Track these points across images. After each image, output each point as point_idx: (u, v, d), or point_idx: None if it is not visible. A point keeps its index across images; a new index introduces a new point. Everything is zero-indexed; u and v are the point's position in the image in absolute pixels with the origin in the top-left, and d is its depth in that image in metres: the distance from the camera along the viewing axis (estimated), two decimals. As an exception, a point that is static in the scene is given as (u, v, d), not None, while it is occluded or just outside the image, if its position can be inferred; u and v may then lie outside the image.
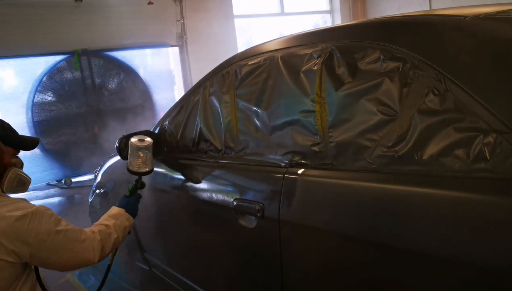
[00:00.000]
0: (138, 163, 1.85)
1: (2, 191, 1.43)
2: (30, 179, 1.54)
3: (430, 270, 0.97)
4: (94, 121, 6.07)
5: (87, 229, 1.53)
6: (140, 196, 1.85)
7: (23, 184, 1.50)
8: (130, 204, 1.77)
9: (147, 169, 1.87)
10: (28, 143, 1.59)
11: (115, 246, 1.61)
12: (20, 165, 1.54)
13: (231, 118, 1.74)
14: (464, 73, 1.01)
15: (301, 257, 1.35)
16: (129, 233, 1.73)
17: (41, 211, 1.36)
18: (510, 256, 0.85)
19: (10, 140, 1.51)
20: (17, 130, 1.57)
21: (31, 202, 1.44)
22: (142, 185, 1.90)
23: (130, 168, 1.86)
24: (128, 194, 1.82)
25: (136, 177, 1.89)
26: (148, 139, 1.89)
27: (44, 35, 5.62)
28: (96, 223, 1.63)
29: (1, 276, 1.28)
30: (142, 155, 1.85)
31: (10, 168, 1.46)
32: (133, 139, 1.87)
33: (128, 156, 1.89)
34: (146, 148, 1.86)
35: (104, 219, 1.65)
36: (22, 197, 1.48)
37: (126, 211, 1.72)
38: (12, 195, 1.46)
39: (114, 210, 1.71)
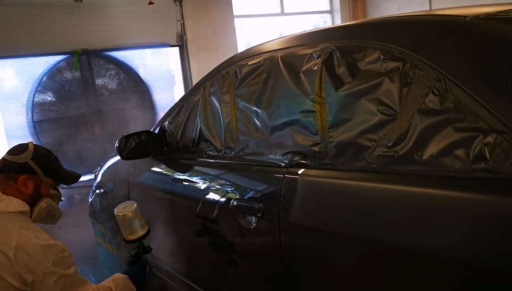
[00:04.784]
0: (132, 230, 1.75)
1: (31, 220, 1.46)
2: (62, 212, 1.57)
3: (430, 270, 0.97)
4: (94, 121, 6.08)
5: (91, 286, 1.49)
6: (145, 263, 1.74)
7: (52, 216, 1.53)
8: (132, 273, 1.68)
9: (145, 231, 1.76)
10: (68, 178, 1.64)
11: None
12: (57, 198, 1.57)
13: (231, 118, 1.74)
14: (464, 73, 1.01)
15: (302, 257, 1.35)
16: None
17: (57, 248, 1.35)
18: (510, 256, 0.85)
19: (51, 172, 1.55)
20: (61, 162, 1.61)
21: None
22: (146, 250, 1.77)
23: (128, 238, 1.76)
24: (128, 264, 1.72)
25: (135, 244, 1.79)
26: (131, 202, 1.78)
27: (44, 35, 5.62)
28: (101, 283, 1.60)
29: None
30: (132, 221, 1.75)
31: (45, 198, 1.50)
32: (116, 210, 1.75)
33: (120, 228, 1.78)
34: (133, 212, 1.75)
35: (107, 282, 1.61)
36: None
37: (130, 278, 1.66)
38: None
39: (118, 275, 1.66)
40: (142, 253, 1.77)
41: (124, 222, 1.73)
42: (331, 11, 8.33)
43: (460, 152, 0.98)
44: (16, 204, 1.41)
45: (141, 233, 1.75)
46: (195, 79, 6.53)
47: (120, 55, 6.23)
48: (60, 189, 1.65)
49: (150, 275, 2.49)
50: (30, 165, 1.48)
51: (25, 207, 1.43)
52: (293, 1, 7.89)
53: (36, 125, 5.74)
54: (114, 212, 1.73)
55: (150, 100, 6.51)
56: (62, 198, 1.65)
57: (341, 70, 1.28)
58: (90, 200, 3.06)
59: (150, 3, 6.03)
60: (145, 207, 2.28)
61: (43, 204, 1.48)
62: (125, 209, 1.74)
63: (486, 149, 0.93)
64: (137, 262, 1.72)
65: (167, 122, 2.21)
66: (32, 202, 1.48)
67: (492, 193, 0.92)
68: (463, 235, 0.93)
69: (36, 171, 1.49)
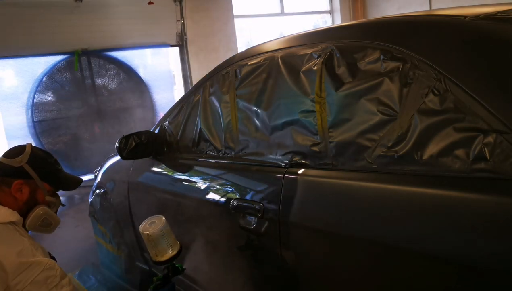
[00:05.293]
0: (158, 250, 1.49)
1: (25, 228, 1.37)
2: (59, 220, 1.46)
3: (429, 270, 0.97)
4: (94, 121, 6.08)
5: None
6: (173, 286, 1.51)
7: (48, 224, 1.42)
8: None
9: (175, 252, 1.49)
10: (68, 183, 1.52)
11: None
12: (55, 205, 1.46)
13: (231, 118, 1.74)
14: (464, 73, 1.01)
15: (301, 257, 1.35)
16: None
17: (40, 266, 1.23)
18: (510, 256, 0.85)
19: (49, 177, 1.44)
20: (62, 167, 1.49)
21: None
22: (176, 271, 1.52)
23: (155, 259, 1.49)
24: (152, 288, 1.49)
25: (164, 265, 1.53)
26: (158, 218, 1.52)
27: (44, 35, 5.62)
28: None
29: None
30: (159, 241, 1.48)
31: (40, 205, 1.40)
32: (141, 228, 1.49)
33: (147, 248, 1.52)
34: (159, 230, 1.48)
35: None
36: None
37: None
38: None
39: None
40: (172, 274, 1.51)
41: (149, 241, 1.48)
42: (331, 11, 8.34)
43: (460, 152, 0.98)
44: (3, 214, 1.30)
45: (170, 254, 1.48)
46: (195, 79, 6.53)
47: (120, 55, 6.23)
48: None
49: (150, 275, 2.49)
50: (25, 169, 1.38)
51: (14, 217, 1.32)
52: (293, 1, 7.89)
53: (36, 125, 5.74)
54: (139, 229, 1.51)
55: (150, 100, 6.52)
56: (62, 203, 1.54)
57: (341, 70, 1.28)
58: (90, 200, 3.06)
59: (150, 3, 6.03)
60: (145, 207, 2.28)
61: (38, 211, 1.38)
62: (151, 226, 1.48)
63: (486, 149, 0.93)
64: (165, 286, 1.49)
65: (167, 122, 2.21)
66: (27, 208, 1.38)
67: (492, 193, 0.92)
68: (463, 235, 0.93)
69: (32, 175, 1.39)
